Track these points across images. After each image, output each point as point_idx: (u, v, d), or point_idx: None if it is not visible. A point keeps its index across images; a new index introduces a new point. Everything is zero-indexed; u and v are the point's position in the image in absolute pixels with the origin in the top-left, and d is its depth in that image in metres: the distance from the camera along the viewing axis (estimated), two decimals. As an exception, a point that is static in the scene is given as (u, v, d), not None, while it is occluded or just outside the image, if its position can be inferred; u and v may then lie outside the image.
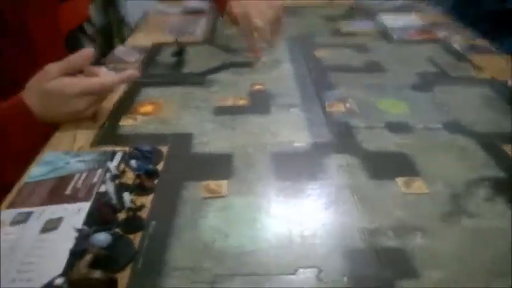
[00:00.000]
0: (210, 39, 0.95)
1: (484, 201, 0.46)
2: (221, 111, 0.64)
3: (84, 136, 0.58)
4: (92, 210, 0.44)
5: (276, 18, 0.80)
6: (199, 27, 1.01)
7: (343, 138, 0.57)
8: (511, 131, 0.58)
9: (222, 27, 0.99)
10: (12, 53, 0.66)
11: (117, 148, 0.55)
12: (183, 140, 0.57)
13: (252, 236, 0.42)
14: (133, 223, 0.43)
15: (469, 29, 0.98)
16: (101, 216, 0.43)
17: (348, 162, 0.52)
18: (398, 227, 0.42)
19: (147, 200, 0.46)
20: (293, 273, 0.37)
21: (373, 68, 0.79)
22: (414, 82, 0.73)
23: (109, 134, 0.59)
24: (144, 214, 0.44)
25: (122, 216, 0.43)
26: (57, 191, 0.48)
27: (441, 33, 0.96)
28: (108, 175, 0.48)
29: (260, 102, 0.67)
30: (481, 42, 0.91)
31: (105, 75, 0.61)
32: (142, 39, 0.94)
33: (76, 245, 0.40)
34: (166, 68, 0.80)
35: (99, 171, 0.51)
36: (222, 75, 0.76)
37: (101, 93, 0.61)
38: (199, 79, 0.74)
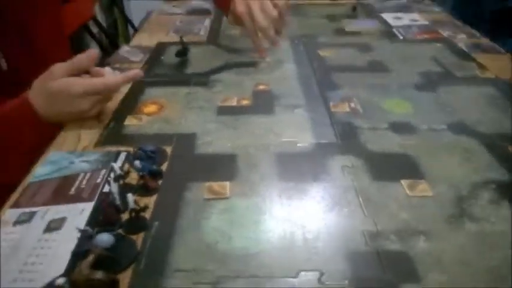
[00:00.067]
0: (214, 39, 0.94)
1: (488, 204, 0.46)
2: (225, 111, 0.64)
3: (88, 136, 0.58)
4: (96, 210, 0.45)
5: (280, 17, 0.79)
6: (203, 27, 1.01)
7: (347, 139, 0.57)
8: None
9: (226, 27, 0.99)
10: (13, 53, 0.66)
11: (122, 148, 0.55)
12: (187, 140, 0.57)
13: (255, 238, 0.41)
14: (136, 224, 0.43)
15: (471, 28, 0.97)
16: (105, 216, 0.43)
17: (352, 163, 0.52)
18: (402, 230, 0.42)
19: (150, 200, 0.46)
20: (295, 276, 0.37)
21: (377, 67, 0.79)
22: (418, 82, 0.73)
23: (113, 134, 0.59)
24: (147, 215, 0.44)
25: (125, 216, 0.44)
26: (61, 190, 0.48)
27: (445, 32, 0.95)
28: (112, 175, 0.48)
29: (264, 103, 0.67)
30: (485, 41, 0.90)
31: (109, 75, 0.61)
32: (146, 39, 0.94)
33: (78, 245, 0.40)
34: (170, 68, 0.80)
35: (103, 171, 0.51)
36: (225, 75, 0.76)
37: (105, 93, 0.61)
38: (203, 79, 0.74)
